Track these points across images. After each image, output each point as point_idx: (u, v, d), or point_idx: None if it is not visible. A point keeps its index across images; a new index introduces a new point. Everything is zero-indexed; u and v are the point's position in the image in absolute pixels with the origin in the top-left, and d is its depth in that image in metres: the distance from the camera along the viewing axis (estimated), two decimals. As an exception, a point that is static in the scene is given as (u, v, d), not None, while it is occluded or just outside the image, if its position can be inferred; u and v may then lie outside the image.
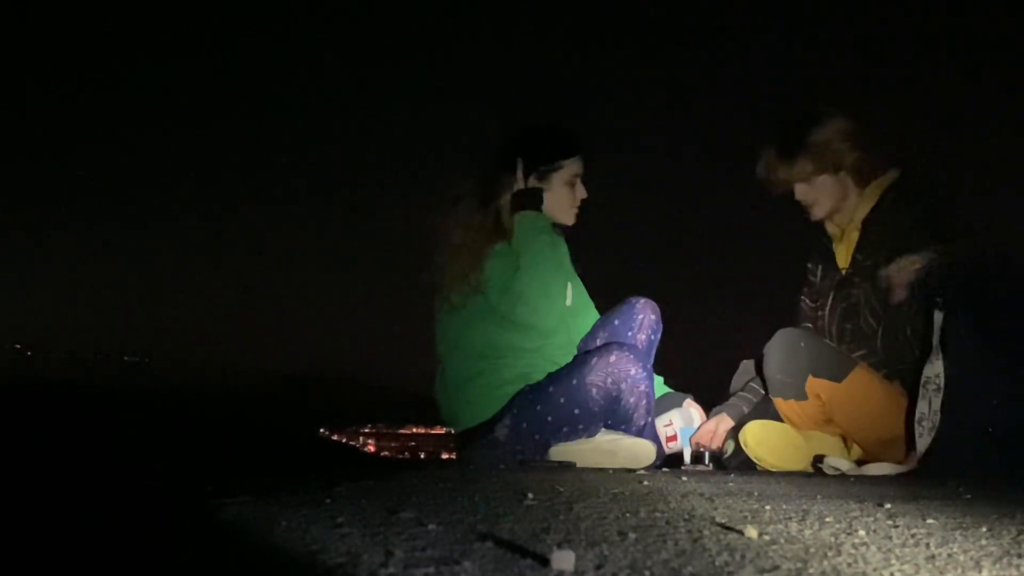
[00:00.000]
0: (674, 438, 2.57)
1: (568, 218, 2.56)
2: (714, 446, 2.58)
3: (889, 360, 2.41)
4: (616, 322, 2.59)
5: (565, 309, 2.46)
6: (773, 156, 2.55)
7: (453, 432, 2.55)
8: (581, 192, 2.54)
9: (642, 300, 2.62)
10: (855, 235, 2.52)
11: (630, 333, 2.56)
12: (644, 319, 2.58)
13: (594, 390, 2.30)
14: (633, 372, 2.32)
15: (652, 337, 2.59)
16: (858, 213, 2.52)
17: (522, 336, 2.45)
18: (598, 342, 2.55)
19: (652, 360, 2.61)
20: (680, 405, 2.65)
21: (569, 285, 2.59)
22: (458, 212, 2.50)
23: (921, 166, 2.59)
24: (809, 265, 2.72)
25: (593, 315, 2.70)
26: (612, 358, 2.32)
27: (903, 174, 2.51)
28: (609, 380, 2.30)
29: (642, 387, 2.33)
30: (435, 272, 2.50)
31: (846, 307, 2.51)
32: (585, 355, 2.39)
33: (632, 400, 2.33)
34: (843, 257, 2.58)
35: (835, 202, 2.53)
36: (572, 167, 2.52)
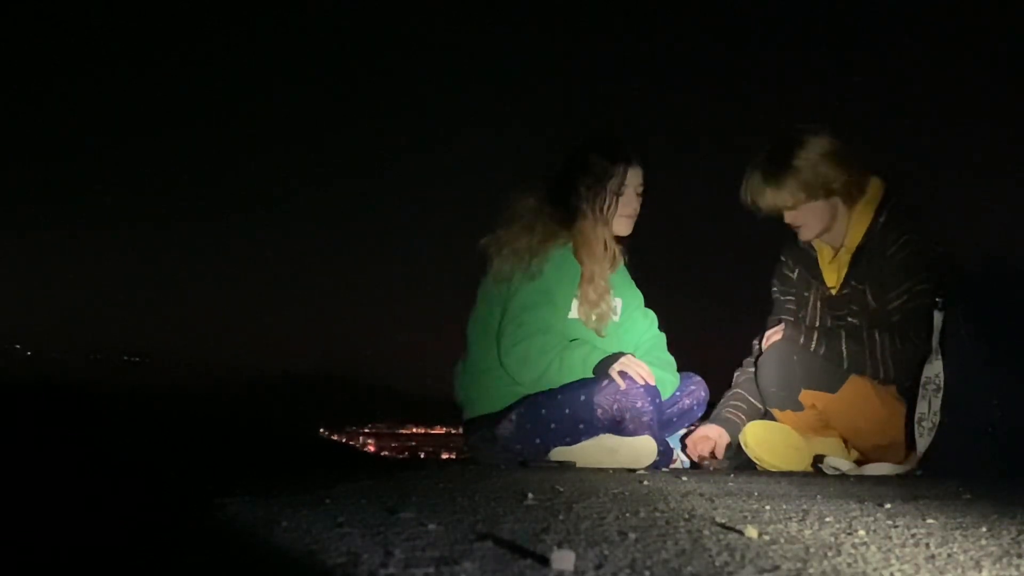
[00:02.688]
0: (675, 459, 2.59)
1: (620, 228, 2.55)
2: (707, 451, 2.58)
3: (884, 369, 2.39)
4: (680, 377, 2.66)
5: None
6: (758, 182, 2.49)
7: (461, 416, 2.58)
8: (630, 202, 2.52)
9: (699, 378, 2.72)
10: (847, 258, 2.49)
11: (678, 393, 2.63)
12: (696, 390, 2.68)
13: (599, 411, 2.33)
14: (639, 405, 2.33)
15: (695, 408, 2.68)
16: (850, 237, 2.48)
17: None
18: None
19: (685, 425, 2.68)
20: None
21: (619, 300, 2.59)
22: (529, 200, 2.51)
23: (904, 176, 2.58)
24: (783, 258, 2.68)
25: (643, 330, 2.69)
26: (623, 386, 2.33)
27: (890, 189, 2.47)
28: (615, 406, 2.33)
29: (646, 419, 2.35)
30: (492, 243, 2.50)
31: (840, 326, 2.46)
32: (600, 376, 2.39)
33: (632, 427, 2.34)
34: (832, 276, 2.54)
35: (824, 224, 2.49)
36: (624, 176, 2.51)
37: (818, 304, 2.55)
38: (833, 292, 2.52)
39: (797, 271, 2.64)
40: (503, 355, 2.41)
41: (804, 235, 2.52)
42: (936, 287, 2.31)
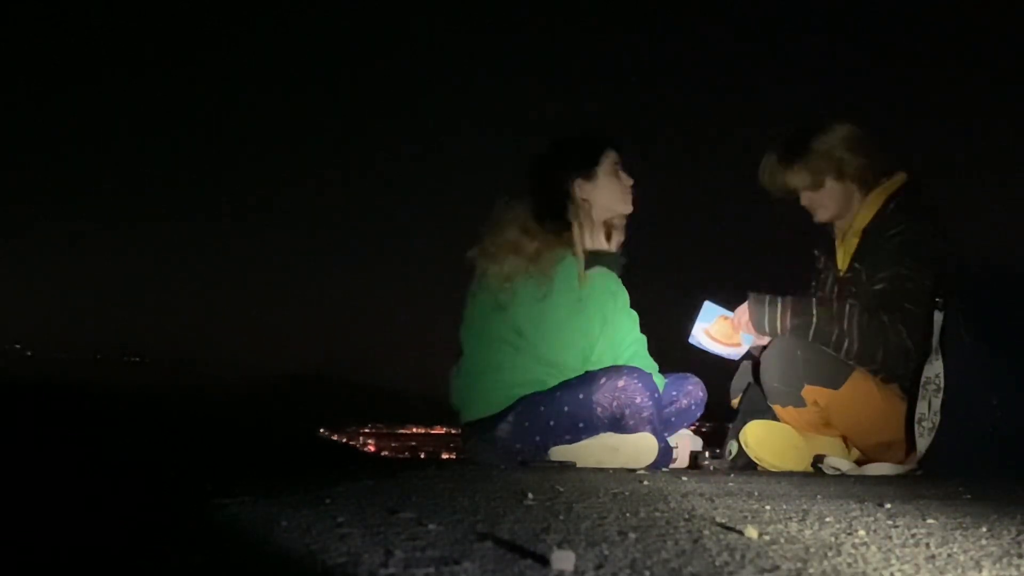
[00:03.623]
0: (675, 459, 2.60)
1: (625, 206, 2.57)
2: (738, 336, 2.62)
3: (886, 364, 2.40)
4: (666, 379, 2.65)
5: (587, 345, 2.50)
6: (775, 163, 2.57)
7: (459, 420, 2.57)
8: (627, 179, 2.57)
9: (696, 378, 2.72)
10: (854, 241, 2.53)
11: (675, 393, 2.64)
12: (693, 390, 2.67)
13: (599, 409, 2.33)
14: (639, 400, 2.33)
15: (693, 408, 2.67)
16: (858, 220, 2.52)
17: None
18: None
19: (683, 425, 2.68)
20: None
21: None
22: (517, 213, 2.51)
23: (925, 172, 2.62)
24: (816, 252, 2.72)
25: (626, 331, 2.70)
26: (620, 382, 2.33)
27: (908, 181, 2.51)
28: (615, 404, 2.33)
29: (645, 414, 2.35)
30: (484, 258, 2.49)
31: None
32: (596, 372, 2.39)
33: (632, 423, 2.34)
34: (842, 259, 2.58)
35: (839, 207, 2.55)
36: (609, 158, 2.55)
37: (835, 288, 2.58)
38: (841, 274, 2.57)
39: (823, 258, 2.69)
40: (569, 358, 2.41)
41: (819, 216, 2.59)
42: (922, 277, 2.34)
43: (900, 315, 2.33)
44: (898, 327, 2.33)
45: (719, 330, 2.65)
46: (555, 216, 2.50)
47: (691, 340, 2.68)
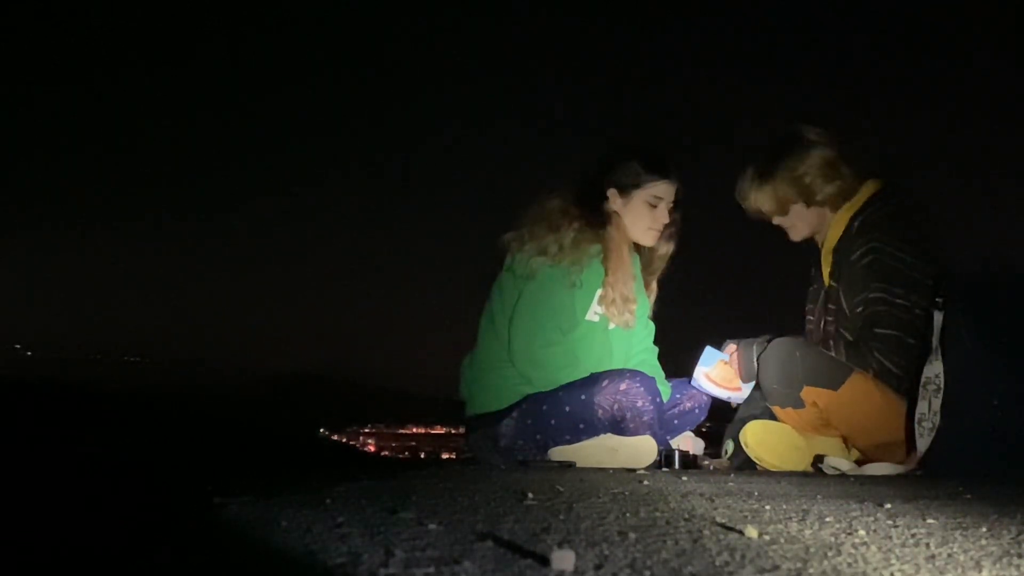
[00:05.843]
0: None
1: (644, 238, 2.58)
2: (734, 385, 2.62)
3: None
4: (670, 384, 2.68)
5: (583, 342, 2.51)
6: (745, 185, 2.56)
7: (463, 411, 2.59)
8: (662, 216, 2.55)
9: None
10: (830, 258, 2.53)
11: (679, 396, 2.66)
12: (697, 393, 2.69)
13: (599, 411, 2.34)
14: (640, 404, 2.34)
15: (697, 412, 2.69)
16: (828, 240, 2.52)
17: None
18: None
19: (688, 428, 2.70)
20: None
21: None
22: (554, 200, 2.53)
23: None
24: (811, 262, 2.73)
25: (638, 340, 2.71)
26: (623, 386, 2.34)
27: (876, 192, 2.47)
28: (616, 407, 2.34)
29: (646, 418, 2.36)
30: (515, 240, 2.51)
31: (828, 322, 2.51)
32: (599, 374, 2.41)
33: (632, 427, 2.35)
34: (825, 273, 2.58)
35: (810, 228, 2.56)
36: (654, 189, 2.53)
37: (825, 304, 2.58)
38: (827, 288, 2.56)
39: (812, 270, 2.68)
40: (524, 350, 2.42)
41: (792, 236, 2.59)
42: (893, 296, 2.33)
43: (877, 343, 2.33)
44: (876, 356, 2.33)
45: (720, 374, 2.67)
46: (592, 208, 2.52)
47: (692, 383, 2.69)
